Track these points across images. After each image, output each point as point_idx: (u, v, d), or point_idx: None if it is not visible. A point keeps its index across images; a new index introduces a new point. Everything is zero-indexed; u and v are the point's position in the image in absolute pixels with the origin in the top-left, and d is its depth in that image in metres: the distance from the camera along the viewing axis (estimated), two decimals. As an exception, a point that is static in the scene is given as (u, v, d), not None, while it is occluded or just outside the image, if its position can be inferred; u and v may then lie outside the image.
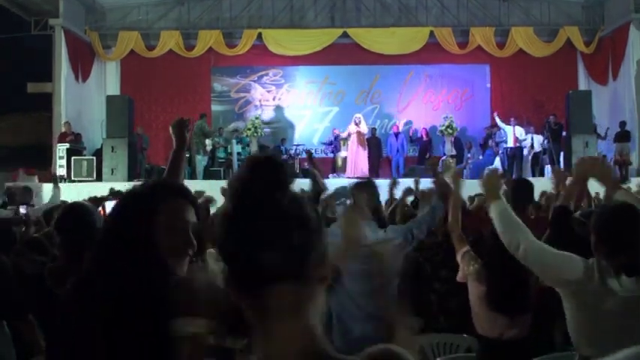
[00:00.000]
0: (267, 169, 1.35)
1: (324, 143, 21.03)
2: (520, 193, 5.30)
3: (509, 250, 3.22)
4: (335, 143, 20.14)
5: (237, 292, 1.29)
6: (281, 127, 22.29)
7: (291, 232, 1.27)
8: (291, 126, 22.38)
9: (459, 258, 4.45)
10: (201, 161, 18.50)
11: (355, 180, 4.87)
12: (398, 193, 7.44)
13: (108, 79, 22.36)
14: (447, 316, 5.36)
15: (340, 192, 5.11)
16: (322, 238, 1.33)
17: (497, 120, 19.18)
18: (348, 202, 4.39)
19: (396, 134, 20.28)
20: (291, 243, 1.26)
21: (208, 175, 18.16)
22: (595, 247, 3.04)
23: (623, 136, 18.48)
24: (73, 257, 3.04)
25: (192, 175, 18.09)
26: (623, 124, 18.81)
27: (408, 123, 21.82)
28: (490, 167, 18.01)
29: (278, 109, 22.65)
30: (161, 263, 1.98)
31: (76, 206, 3.56)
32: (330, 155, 20.48)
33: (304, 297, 1.28)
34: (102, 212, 5.38)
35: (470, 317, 4.33)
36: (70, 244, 3.18)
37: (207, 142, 18.56)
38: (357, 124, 18.83)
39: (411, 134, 21.09)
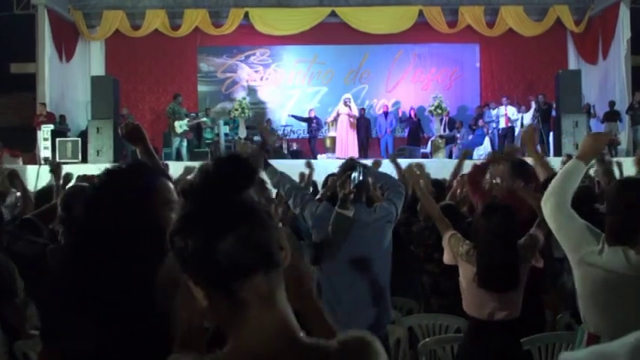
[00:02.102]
0: (222, 169, 1.39)
1: (295, 117, 20.72)
2: (515, 174, 5.31)
3: (542, 201, 3.26)
4: (315, 121, 20.03)
5: (208, 289, 1.33)
6: (269, 108, 22.22)
7: (251, 226, 1.33)
8: (280, 106, 22.30)
9: (445, 242, 4.45)
10: (176, 143, 18.18)
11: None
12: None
13: (92, 59, 22.17)
14: (438, 297, 5.39)
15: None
16: (276, 227, 1.40)
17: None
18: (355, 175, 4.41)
19: (385, 114, 20.26)
20: (254, 236, 1.32)
21: (194, 156, 18.08)
22: (606, 218, 3.10)
23: (612, 116, 18.56)
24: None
25: (178, 157, 17.99)
26: (612, 103, 18.89)
27: (396, 104, 21.81)
28: (487, 151, 18.08)
29: (266, 89, 22.59)
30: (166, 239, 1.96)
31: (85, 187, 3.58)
32: (306, 135, 20.41)
33: (274, 285, 1.34)
34: None
35: (460, 298, 4.35)
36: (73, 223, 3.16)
37: (177, 124, 18.15)
38: (347, 105, 18.78)
39: (400, 115, 21.07)
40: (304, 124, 20.52)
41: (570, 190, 3.17)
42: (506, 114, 18.70)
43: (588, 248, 3.03)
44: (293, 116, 20.85)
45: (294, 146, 20.24)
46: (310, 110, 20.56)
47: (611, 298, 2.98)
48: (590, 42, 21.53)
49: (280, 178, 4.83)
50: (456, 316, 4.79)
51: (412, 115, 20.46)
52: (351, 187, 4.28)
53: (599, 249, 3.01)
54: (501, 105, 19.03)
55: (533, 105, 18.78)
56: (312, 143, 19.89)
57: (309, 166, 7.28)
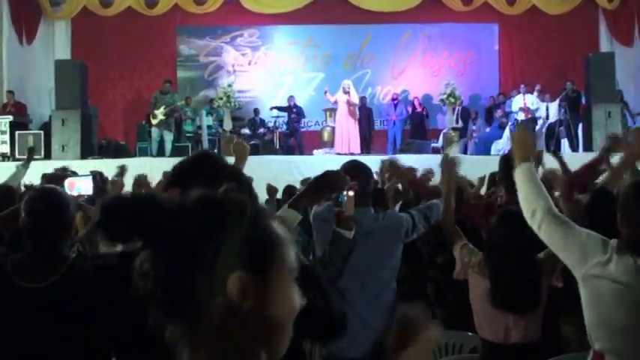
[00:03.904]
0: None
1: (278, 108, 20.57)
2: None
3: (527, 219, 3.29)
4: (295, 110, 19.99)
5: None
6: (258, 97, 22.21)
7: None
8: (271, 94, 22.26)
9: (456, 253, 4.46)
10: (155, 135, 18.08)
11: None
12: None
13: (57, 41, 22.12)
14: (443, 309, 5.39)
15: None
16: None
17: None
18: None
19: (395, 104, 20.28)
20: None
21: (176, 151, 18.02)
22: (619, 226, 3.10)
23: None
24: (44, 246, 3.09)
25: (160, 152, 17.97)
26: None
27: (404, 92, 21.83)
28: (497, 141, 18.10)
29: (254, 75, 22.60)
30: None
31: (52, 191, 3.61)
32: (284, 128, 20.41)
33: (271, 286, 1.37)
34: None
35: (469, 309, 4.36)
36: (42, 232, 3.17)
37: (157, 112, 18.00)
38: (346, 93, 18.73)
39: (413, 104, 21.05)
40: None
41: (543, 193, 3.27)
42: (524, 103, 18.64)
43: (594, 259, 3.04)
44: (276, 108, 20.69)
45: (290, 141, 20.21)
46: (289, 97, 20.47)
47: (617, 312, 2.98)
48: (624, 21, 21.51)
49: None
50: (472, 334, 4.79)
51: (416, 105, 20.49)
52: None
53: (606, 259, 3.02)
54: (519, 93, 18.98)
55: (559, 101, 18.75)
56: (297, 136, 19.80)
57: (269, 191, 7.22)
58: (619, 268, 2.96)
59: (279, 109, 20.42)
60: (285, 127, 20.37)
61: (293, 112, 19.98)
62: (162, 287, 1.30)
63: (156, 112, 17.97)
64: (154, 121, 17.99)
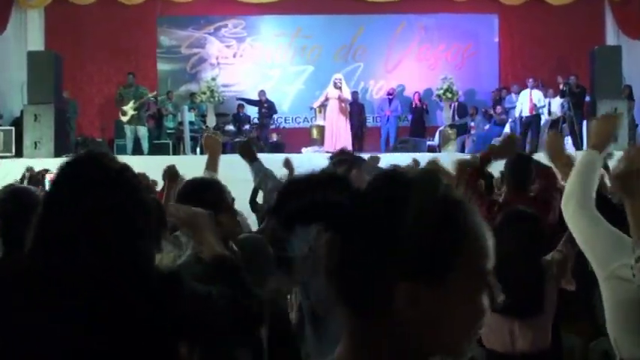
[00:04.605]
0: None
1: (246, 101, 20.53)
2: (518, 171, 5.39)
3: (563, 202, 3.24)
4: (266, 105, 19.91)
5: None
6: (243, 91, 22.14)
7: None
8: (257, 88, 22.16)
9: None
10: (129, 133, 18.02)
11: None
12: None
13: (29, 31, 21.97)
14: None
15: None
16: None
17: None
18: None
19: (390, 99, 20.26)
20: None
21: (155, 149, 17.97)
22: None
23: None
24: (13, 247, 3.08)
25: (137, 149, 17.87)
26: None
27: (399, 87, 21.80)
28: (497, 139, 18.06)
29: (239, 68, 22.55)
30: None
31: (21, 190, 3.61)
32: (291, 125, 20.20)
33: None
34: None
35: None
36: (12, 232, 3.19)
37: (125, 109, 17.93)
38: (338, 88, 18.66)
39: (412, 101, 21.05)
40: (285, 110, 20.48)
41: (591, 186, 3.18)
42: (531, 99, 18.59)
43: (620, 261, 2.97)
44: (244, 100, 20.62)
45: (274, 137, 20.18)
46: (260, 92, 20.40)
47: None
48: (632, 12, 21.53)
49: (264, 176, 4.80)
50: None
51: (417, 100, 20.45)
52: None
53: (634, 260, 2.95)
54: (526, 88, 18.96)
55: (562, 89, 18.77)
56: (264, 132, 19.71)
57: (287, 165, 7.10)
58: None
59: (248, 102, 20.37)
60: (255, 122, 20.38)
61: (264, 106, 19.87)
62: (347, 276, 1.23)
63: (124, 108, 17.85)
64: (124, 119, 17.92)
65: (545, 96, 19.00)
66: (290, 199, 1.22)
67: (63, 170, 2.34)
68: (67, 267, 2.14)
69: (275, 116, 20.62)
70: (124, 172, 2.34)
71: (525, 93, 18.82)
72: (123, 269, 2.18)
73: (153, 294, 2.18)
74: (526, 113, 18.55)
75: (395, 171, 1.28)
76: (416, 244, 1.18)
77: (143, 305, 2.15)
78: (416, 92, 20.76)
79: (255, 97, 20.55)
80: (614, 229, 3.08)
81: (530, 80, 19.04)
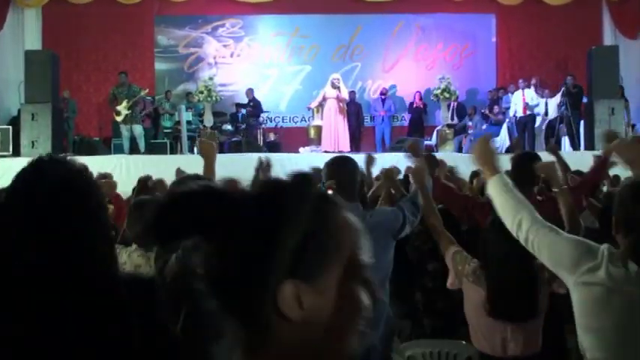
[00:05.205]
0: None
1: (237, 105, 20.27)
2: (523, 171, 5.27)
3: (512, 233, 3.22)
4: (252, 104, 19.81)
5: None
6: (241, 91, 22.13)
7: None
8: (254, 88, 22.15)
9: (448, 260, 4.43)
10: (125, 133, 17.95)
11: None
12: (376, 172, 7.47)
13: (27, 30, 21.94)
14: (432, 318, 5.37)
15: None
16: None
17: None
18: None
19: (383, 99, 20.30)
20: None
21: (152, 148, 17.96)
22: (615, 230, 3.08)
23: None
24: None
25: (134, 149, 17.84)
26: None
27: (392, 88, 21.87)
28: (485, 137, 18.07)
29: (237, 67, 22.57)
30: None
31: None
32: (289, 124, 20.06)
33: None
34: None
35: (458, 319, 4.34)
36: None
37: (119, 109, 17.85)
38: (336, 88, 18.68)
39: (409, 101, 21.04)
40: (283, 109, 20.43)
41: (523, 201, 3.22)
42: (523, 99, 18.64)
43: (584, 266, 3.00)
44: (237, 105, 20.36)
45: (272, 137, 20.20)
46: (247, 90, 20.35)
47: (607, 320, 2.97)
48: (629, 12, 21.57)
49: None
50: (466, 343, 4.77)
51: (418, 100, 20.51)
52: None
53: (595, 265, 3.00)
54: (518, 88, 18.99)
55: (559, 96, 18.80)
56: (249, 134, 19.41)
57: (261, 166, 5.94)
58: (612, 270, 2.95)
59: (239, 105, 20.15)
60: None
61: (249, 105, 19.78)
62: (228, 286, 1.26)
63: (118, 108, 17.76)
64: (118, 119, 17.83)
65: (542, 96, 19.04)
66: (166, 215, 1.26)
67: (20, 173, 2.27)
68: (16, 269, 2.09)
69: (264, 115, 20.36)
70: (81, 173, 2.31)
71: (518, 93, 18.84)
72: (76, 271, 2.10)
73: (118, 299, 2.11)
74: (520, 114, 18.60)
75: (273, 179, 1.32)
76: (292, 243, 1.23)
77: (101, 309, 2.06)
78: (417, 92, 20.75)
79: (256, 94, 20.60)
80: (571, 236, 3.14)
81: (521, 81, 19.08)
